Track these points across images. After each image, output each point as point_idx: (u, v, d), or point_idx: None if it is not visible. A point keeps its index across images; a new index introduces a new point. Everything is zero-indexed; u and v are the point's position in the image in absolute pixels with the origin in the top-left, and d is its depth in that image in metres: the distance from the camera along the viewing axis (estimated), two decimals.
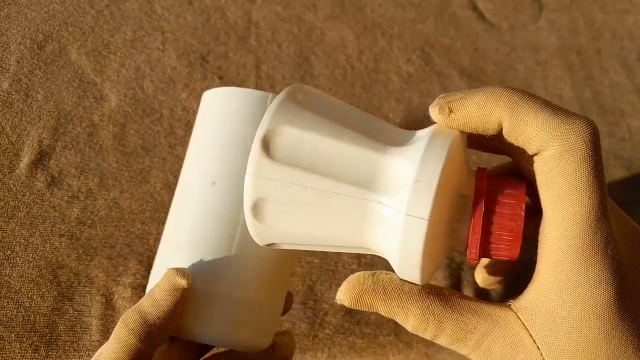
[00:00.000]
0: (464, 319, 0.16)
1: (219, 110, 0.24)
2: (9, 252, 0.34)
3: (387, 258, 0.17)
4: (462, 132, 0.17)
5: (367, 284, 0.17)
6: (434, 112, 0.17)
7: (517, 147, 0.16)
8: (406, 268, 0.16)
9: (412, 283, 0.17)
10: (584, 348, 0.14)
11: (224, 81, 0.42)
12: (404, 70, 0.43)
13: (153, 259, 0.34)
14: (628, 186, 0.38)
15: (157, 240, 0.35)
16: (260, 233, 0.18)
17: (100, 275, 0.34)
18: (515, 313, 0.16)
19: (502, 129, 0.16)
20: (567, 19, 0.46)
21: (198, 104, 0.40)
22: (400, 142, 0.17)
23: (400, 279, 0.17)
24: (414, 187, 0.15)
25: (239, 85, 0.41)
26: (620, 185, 0.38)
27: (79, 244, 0.34)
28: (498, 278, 0.25)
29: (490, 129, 0.16)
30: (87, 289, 0.33)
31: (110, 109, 0.40)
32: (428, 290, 0.17)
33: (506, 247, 0.16)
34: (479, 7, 0.47)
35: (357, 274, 0.18)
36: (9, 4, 0.45)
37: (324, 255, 0.35)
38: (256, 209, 0.17)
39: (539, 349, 0.15)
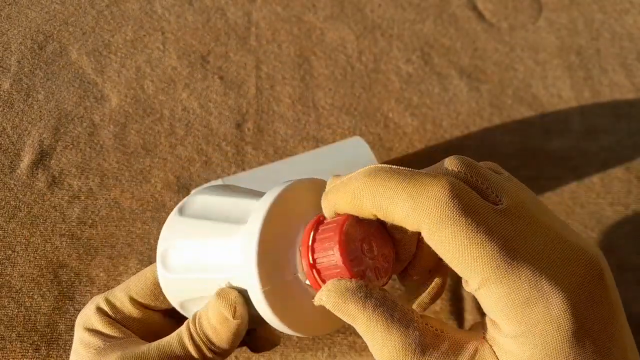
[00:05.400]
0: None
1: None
2: (10, 251, 0.34)
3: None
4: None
5: (351, 290, 0.16)
6: (325, 211, 0.17)
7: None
8: (279, 329, 0.18)
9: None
10: None
11: (224, 81, 0.42)
12: (403, 70, 0.43)
13: (154, 258, 0.34)
14: (628, 185, 0.38)
15: (158, 239, 0.35)
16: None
17: (101, 274, 0.34)
18: (489, 345, 0.15)
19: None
20: (567, 19, 0.46)
21: (198, 103, 0.40)
22: (239, 220, 0.19)
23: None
24: (236, 277, 0.18)
25: (240, 85, 0.42)
26: (620, 184, 0.38)
27: (80, 244, 0.35)
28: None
29: (370, 217, 0.16)
30: (87, 288, 0.33)
31: (111, 109, 0.40)
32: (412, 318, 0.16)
33: (327, 261, 0.16)
34: (478, 7, 0.47)
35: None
36: (9, 4, 0.45)
37: None
38: (183, 308, 0.21)
39: None
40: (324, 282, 0.17)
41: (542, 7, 0.47)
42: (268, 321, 0.18)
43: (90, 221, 0.35)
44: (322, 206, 0.17)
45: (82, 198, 0.36)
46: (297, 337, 0.32)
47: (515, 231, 0.14)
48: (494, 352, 0.15)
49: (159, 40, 0.43)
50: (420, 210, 0.14)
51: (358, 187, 0.16)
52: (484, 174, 0.16)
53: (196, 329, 0.19)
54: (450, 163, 0.16)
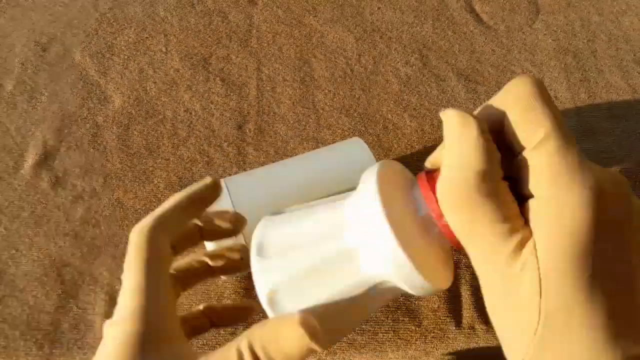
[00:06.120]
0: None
1: None
2: (14, 251, 0.35)
3: (391, 278, 0.19)
4: (389, 165, 0.21)
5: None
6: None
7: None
8: (404, 275, 0.18)
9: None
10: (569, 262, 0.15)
11: (225, 83, 0.42)
12: (402, 72, 0.43)
13: None
14: None
15: None
16: None
17: (104, 273, 0.34)
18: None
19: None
20: (564, 21, 0.47)
21: (200, 105, 0.41)
22: (347, 196, 0.21)
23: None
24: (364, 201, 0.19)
25: (241, 87, 0.42)
26: None
27: (83, 243, 0.35)
28: None
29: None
30: (91, 287, 0.33)
31: (114, 110, 0.40)
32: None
33: None
34: (476, 9, 0.47)
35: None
36: (13, 6, 0.45)
37: None
38: (271, 302, 0.20)
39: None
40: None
41: (539, 10, 0.47)
42: (398, 266, 0.18)
43: (94, 221, 0.36)
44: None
45: (86, 198, 0.37)
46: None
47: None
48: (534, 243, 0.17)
49: (162, 42, 0.44)
50: (513, 88, 0.18)
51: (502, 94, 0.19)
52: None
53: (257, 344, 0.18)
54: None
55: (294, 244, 0.20)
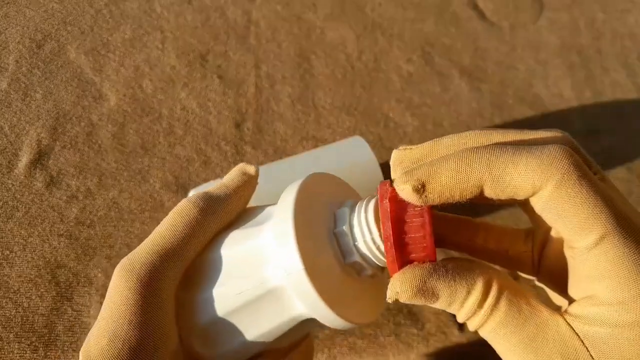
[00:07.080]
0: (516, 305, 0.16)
1: None
2: (8, 252, 0.34)
3: (314, 314, 0.17)
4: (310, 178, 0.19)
5: (426, 268, 0.16)
6: (405, 192, 0.16)
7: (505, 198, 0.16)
8: (323, 316, 0.17)
9: (471, 261, 0.17)
10: None
11: (223, 80, 0.42)
12: (404, 69, 0.42)
13: None
14: (629, 185, 0.38)
15: None
16: None
17: (99, 275, 0.33)
18: (566, 320, 0.15)
19: (483, 190, 0.15)
20: (568, 19, 0.46)
21: (197, 103, 0.40)
22: (265, 220, 0.19)
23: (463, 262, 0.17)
24: (277, 251, 0.17)
25: (239, 85, 0.41)
26: (621, 184, 0.38)
27: (78, 244, 0.34)
28: None
29: (470, 193, 0.15)
30: (86, 289, 0.33)
31: (110, 108, 0.40)
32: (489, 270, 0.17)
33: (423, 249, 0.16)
34: (479, 6, 0.47)
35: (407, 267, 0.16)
36: (7, 3, 0.45)
37: None
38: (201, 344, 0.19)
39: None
40: (400, 259, 0.16)
41: (544, 7, 0.47)
42: (310, 304, 0.16)
43: (89, 221, 0.35)
44: (402, 183, 0.16)
45: (81, 198, 0.36)
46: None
47: (617, 198, 0.15)
48: (571, 326, 0.15)
49: (158, 39, 0.43)
50: (547, 168, 0.15)
51: (465, 157, 0.15)
52: (579, 147, 0.17)
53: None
54: (554, 134, 0.16)
55: (214, 277, 0.18)
